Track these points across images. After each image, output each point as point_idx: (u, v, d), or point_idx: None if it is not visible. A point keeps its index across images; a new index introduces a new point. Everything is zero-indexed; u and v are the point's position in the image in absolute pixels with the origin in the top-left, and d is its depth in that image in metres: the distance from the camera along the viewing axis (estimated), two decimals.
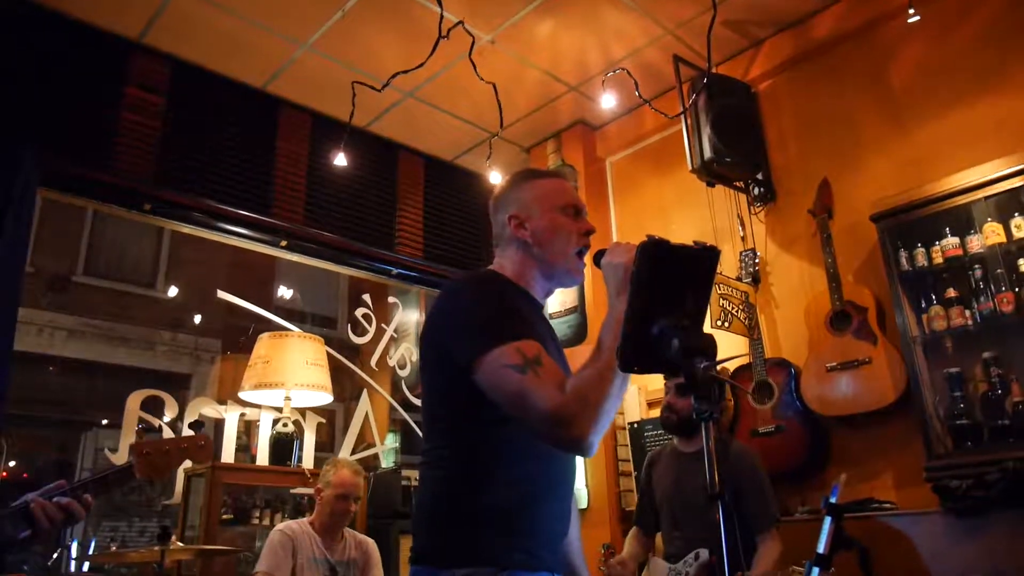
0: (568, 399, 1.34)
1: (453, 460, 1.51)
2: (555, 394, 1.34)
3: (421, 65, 3.58)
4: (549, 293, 1.77)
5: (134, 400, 3.89)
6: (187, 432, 1.86)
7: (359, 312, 5.06)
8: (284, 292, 7.35)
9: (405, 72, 3.65)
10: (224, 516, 3.68)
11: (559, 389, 1.35)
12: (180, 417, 4.10)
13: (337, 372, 5.21)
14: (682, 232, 4.34)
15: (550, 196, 1.71)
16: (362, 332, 5.07)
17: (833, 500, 1.96)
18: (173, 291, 7.93)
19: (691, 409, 2.79)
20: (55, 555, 5.48)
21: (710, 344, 1.19)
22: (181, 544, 2.71)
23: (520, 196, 1.73)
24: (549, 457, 1.51)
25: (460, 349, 1.47)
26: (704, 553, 2.79)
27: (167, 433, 3.96)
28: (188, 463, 1.99)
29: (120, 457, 3.73)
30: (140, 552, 2.65)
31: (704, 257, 1.30)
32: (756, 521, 2.90)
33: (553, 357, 1.47)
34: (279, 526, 3.12)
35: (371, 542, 3.35)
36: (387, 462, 5.19)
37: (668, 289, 1.27)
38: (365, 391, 4.97)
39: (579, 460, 1.73)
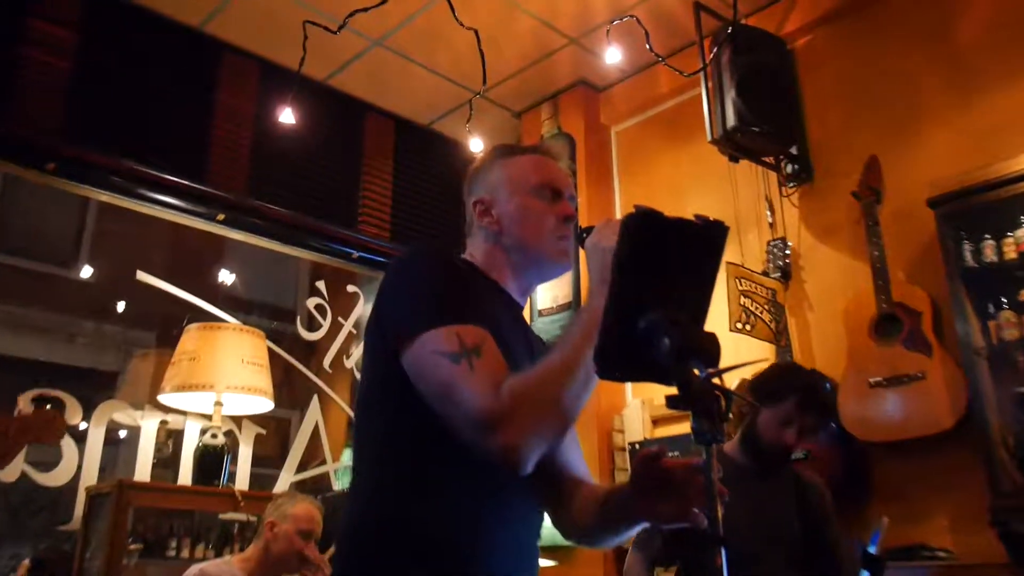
0: (502, 399, 1.28)
1: (376, 469, 1.49)
2: (488, 391, 1.29)
3: (384, 1, 3.41)
4: (528, 290, 1.72)
5: (25, 401, 3.72)
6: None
7: (311, 303, 4.93)
8: (230, 278, 7.18)
9: (366, 10, 3.48)
10: (132, 547, 3.51)
11: (495, 386, 1.29)
12: (86, 422, 3.93)
13: (289, 374, 5.06)
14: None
15: (522, 176, 1.67)
16: (316, 327, 4.91)
17: (872, 550, 1.80)
18: (98, 273, 7.76)
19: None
20: None
21: (712, 345, 1.06)
22: None
23: (489, 178, 1.71)
24: (497, 480, 1.41)
25: (391, 326, 1.45)
26: None
27: (69, 446, 3.78)
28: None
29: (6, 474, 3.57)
30: None
31: (708, 235, 1.18)
32: (850, 567, 2.72)
33: (518, 363, 1.42)
34: (193, 569, 2.94)
35: None
36: (342, 483, 5.04)
37: (660, 274, 1.17)
38: (316, 397, 4.81)
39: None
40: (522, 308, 1.70)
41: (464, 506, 1.41)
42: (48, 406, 1.80)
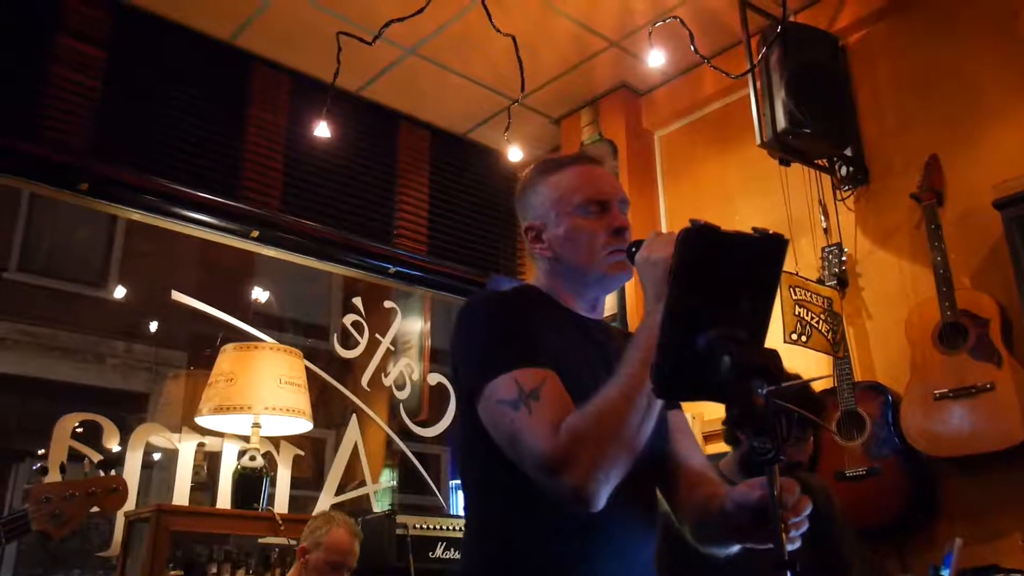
0: (562, 440, 1.33)
1: (481, 512, 1.59)
2: (547, 434, 1.34)
3: (421, 10, 3.47)
4: (597, 303, 1.77)
5: (64, 426, 3.81)
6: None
7: (348, 319, 4.98)
8: (264, 295, 7.29)
9: (402, 20, 3.54)
10: (172, 572, 3.58)
11: (554, 429, 1.34)
12: (120, 446, 4.01)
13: (325, 392, 5.13)
14: (749, 222, 4.19)
15: (566, 195, 1.70)
16: (352, 344, 4.97)
17: (946, 572, 1.80)
18: (128, 292, 7.90)
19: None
20: None
21: (773, 362, 1.09)
22: None
23: (535, 200, 1.75)
24: (598, 516, 1.43)
25: (464, 381, 1.54)
26: None
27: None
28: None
29: None
30: None
31: (766, 247, 1.21)
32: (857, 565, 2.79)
33: (591, 385, 1.43)
34: None
35: None
36: (381, 505, 5.08)
37: (718, 290, 1.20)
38: (354, 417, 4.86)
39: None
40: (596, 320, 1.73)
41: (567, 545, 1.45)
42: (107, 471, 1.82)
